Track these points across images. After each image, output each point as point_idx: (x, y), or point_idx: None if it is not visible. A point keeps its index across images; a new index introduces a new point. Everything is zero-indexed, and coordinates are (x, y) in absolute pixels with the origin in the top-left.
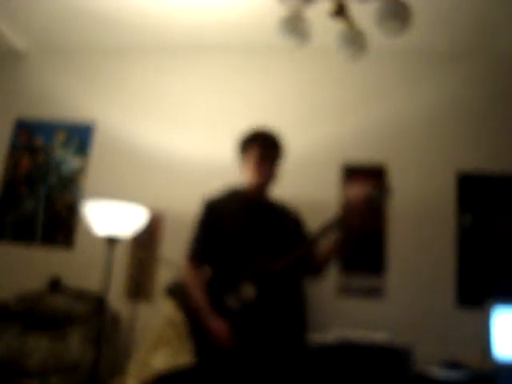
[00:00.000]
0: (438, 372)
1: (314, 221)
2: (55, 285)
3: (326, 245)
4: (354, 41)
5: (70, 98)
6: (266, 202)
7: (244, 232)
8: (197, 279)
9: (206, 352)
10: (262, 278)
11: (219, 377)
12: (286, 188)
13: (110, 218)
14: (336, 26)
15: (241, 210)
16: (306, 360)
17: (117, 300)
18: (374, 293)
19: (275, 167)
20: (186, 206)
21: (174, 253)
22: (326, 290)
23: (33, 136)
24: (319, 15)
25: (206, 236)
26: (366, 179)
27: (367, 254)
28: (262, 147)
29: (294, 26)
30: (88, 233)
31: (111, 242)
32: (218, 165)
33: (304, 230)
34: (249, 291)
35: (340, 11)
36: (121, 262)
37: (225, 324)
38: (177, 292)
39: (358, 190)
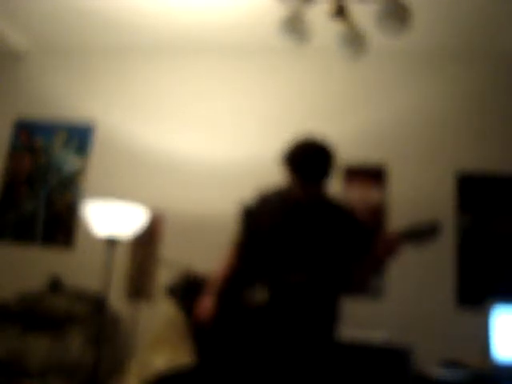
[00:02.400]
0: (437, 372)
1: None
2: (55, 285)
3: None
4: (354, 41)
5: (70, 98)
6: (316, 201)
7: (280, 230)
8: (229, 263)
9: (207, 352)
10: (276, 288)
11: (219, 377)
12: None
13: (110, 218)
14: (336, 27)
15: (285, 207)
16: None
17: (117, 300)
18: (374, 293)
19: (324, 183)
20: (186, 206)
21: (174, 253)
22: None
23: (33, 136)
24: (319, 16)
25: (246, 229)
26: (366, 179)
27: None
28: (310, 175)
29: (294, 26)
30: (88, 233)
31: (111, 242)
32: (218, 165)
33: (359, 228)
34: (261, 296)
35: (340, 12)
36: (121, 262)
37: (213, 304)
38: (177, 292)
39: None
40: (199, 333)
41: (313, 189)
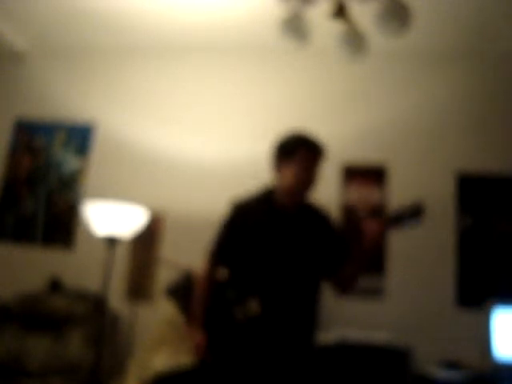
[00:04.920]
0: (437, 372)
1: None
2: (55, 285)
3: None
4: (354, 41)
5: (70, 98)
6: (300, 208)
7: (269, 241)
8: (207, 283)
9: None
10: (269, 297)
11: (219, 377)
12: None
13: (110, 218)
14: (336, 27)
15: (270, 216)
16: (309, 370)
17: (117, 300)
18: (374, 293)
19: (316, 174)
20: (186, 206)
21: (174, 253)
22: (326, 290)
23: (33, 136)
24: (319, 16)
25: (228, 239)
26: (366, 179)
27: None
28: (311, 153)
29: (294, 26)
30: (88, 233)
31: (111, 242)
32: (218, 165)
33: (334, 236)
34: (253, 307)
35: (340, 12)
36: (121, 263)
37: (202, 337)
38: (177, 292)
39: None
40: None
41: (311, 173)
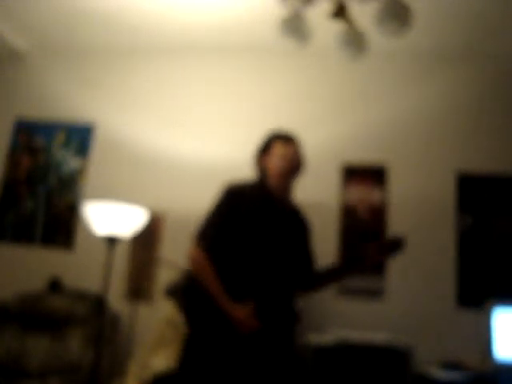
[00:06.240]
0: (438, 373)
1: (313, 221)
2: (55, 285)
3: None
4: (354, 41)
5: (70, 99)
6: (289, 204)
7: (264, 237)
8: (209, 264)
9: (202, 354)
10: (262, 300)
11: (218, 377)
12: None
13: (109, 218)
14: (336, 27)
15: (266, 209)
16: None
17: (117, 300)
18: (374, 293)
19: (300, 153)
20: (186, 206)
21: (174, 253)
22: (326, 291)
23: (33, 136)
24: (319, 16)
25: (222, 225)
26: (366, 179)
27: None
28: (286, 141)
29: (294, 26)
30: (88, 233)
31: (111, 242)
32: (218, 165)
33: (309, 236)
34: (248, 306)
35: (340, 12)
36: (121, 263)
37: (245, 308)
38: (176, 293)
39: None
40: (197, 334)
41: (292, 149)
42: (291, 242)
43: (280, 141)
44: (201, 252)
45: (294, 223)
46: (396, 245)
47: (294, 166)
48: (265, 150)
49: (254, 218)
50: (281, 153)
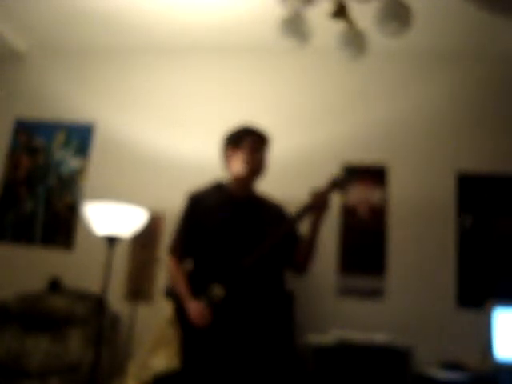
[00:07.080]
0: (438, 373)
1: None
2: (55, 285)
3: (306, 236)
4: (354, 41)
5: (70, 98)
6: (251, 197)
7: (226, 227)
8: (178, 269)
9: (195, 354)
10: (231, 277)
11: (217, 378)
12: (286, 188)
13: (109, 218)
14: (336, 27)
15: (224, 204)
16: (289, 357)
17: (117, 301)
18: (374, 294)
19: (265, 159)
20: None
21: None
22: (326, 291)
23: (33, 136)
24: (319, 16)
25: (187, 229)
26: (367, 179)
27: (367, 254)
28: (256, 138)
29: (294, 26)
30: (88, 233)
31: (111, 242)
32: (217, 165)
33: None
34: (217, 292)
35: (340, 12)
36: (121, 263)
37: (200, 305)
38: (175, 293)
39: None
40: (188, 334)
41: (258, 157)
42: (256, 230)
43: (251, 139)
44: (172, 259)
45: (260, 213)
46: (337, 182)
47: (255, 172)
48: (235, 143)
49: (212, 213)
50: (246, 158)
